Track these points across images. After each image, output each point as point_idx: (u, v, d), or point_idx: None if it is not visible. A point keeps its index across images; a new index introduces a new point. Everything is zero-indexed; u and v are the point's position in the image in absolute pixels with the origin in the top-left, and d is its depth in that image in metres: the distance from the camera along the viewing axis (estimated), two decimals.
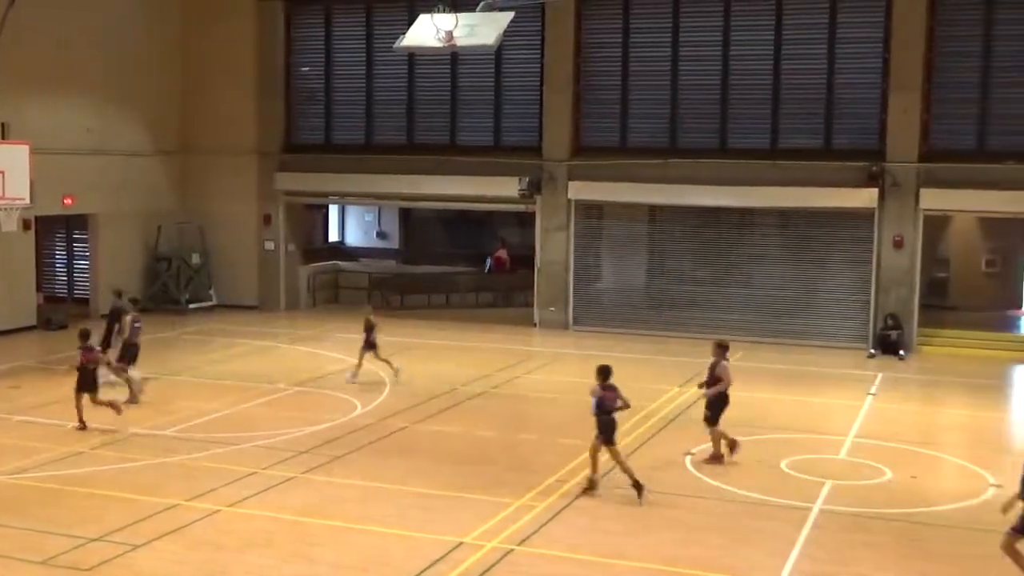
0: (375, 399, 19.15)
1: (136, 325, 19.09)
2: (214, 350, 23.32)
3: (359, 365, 20.27)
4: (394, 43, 20.27)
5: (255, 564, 11.38)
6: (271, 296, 30.42)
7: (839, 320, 25.97)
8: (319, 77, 30.20)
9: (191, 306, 29.12)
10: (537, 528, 12.59)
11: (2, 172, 19.35)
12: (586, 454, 14.01)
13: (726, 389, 15.47)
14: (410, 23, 20.54)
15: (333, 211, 36.83)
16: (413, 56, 27.58)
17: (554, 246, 27.83)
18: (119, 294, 21.56)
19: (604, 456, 13.92)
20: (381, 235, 36.96)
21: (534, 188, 27.46)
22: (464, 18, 19.28)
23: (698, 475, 14.91)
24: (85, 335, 16.99)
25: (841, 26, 25.57)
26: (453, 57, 27.68)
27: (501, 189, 27.58)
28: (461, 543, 11.99)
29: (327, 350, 24.16)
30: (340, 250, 36.16)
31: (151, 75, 29.46)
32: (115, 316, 20.75)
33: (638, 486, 13.56)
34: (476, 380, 21.06)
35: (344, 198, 32.42)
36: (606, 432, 13.77)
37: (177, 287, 29.37)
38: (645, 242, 28.02)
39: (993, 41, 24.59)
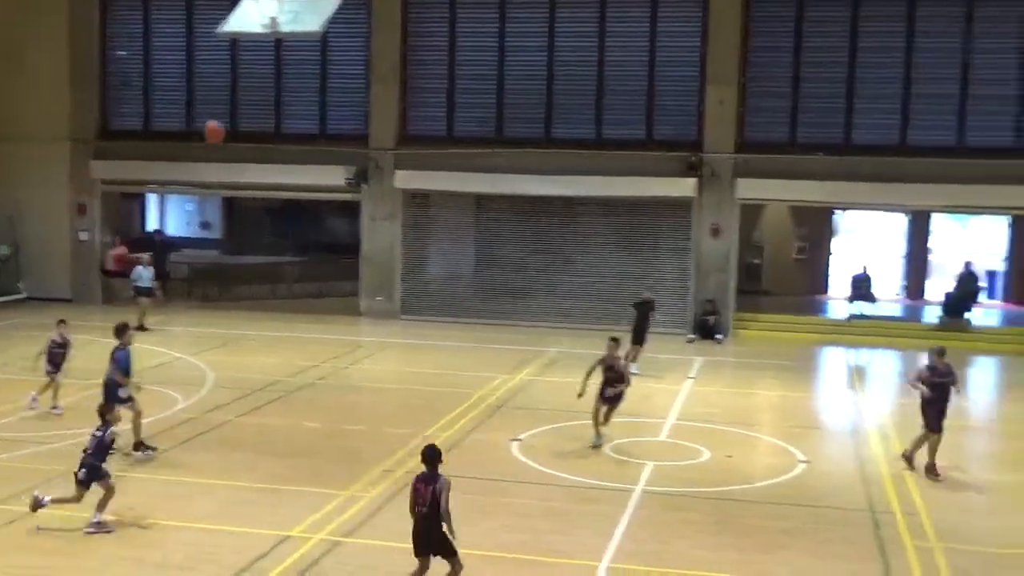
0: (197, 393, 18.72)
1: None
2: (14, 345, 22.19)
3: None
4: (216, 27, 19.81)
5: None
6: (86, 289, 29.22)
7: (660, 305, 26.63)
8: (137, 61, 29.15)
9: None
10: (366, 519, 12.55)
11: None
12: (413, 444, 14.01)
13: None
14: (233, 6, 20.08)
15: (152, 200, 35.65)
16: (236, 40, 26.93)
17: (381, 235, 27.69)
18: None
19: None
20: (204, 225, 36.03)
21: (360, 177, 27.27)
22: (289, 4, 18.96)
23: (526, 461, 15.12)
24: None
25: (662, 20, 26.27)
26: (277, 43, 27.19)
27: (327, 178, 27.29)
28: (288, 536, 11.85)
29: (148, 344, 23.40)
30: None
31: None
32: None
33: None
34: (302, 371, 20.81)
35: (165, 187, 31.39)
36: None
37: None
38: (473, 231, 28.12)
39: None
